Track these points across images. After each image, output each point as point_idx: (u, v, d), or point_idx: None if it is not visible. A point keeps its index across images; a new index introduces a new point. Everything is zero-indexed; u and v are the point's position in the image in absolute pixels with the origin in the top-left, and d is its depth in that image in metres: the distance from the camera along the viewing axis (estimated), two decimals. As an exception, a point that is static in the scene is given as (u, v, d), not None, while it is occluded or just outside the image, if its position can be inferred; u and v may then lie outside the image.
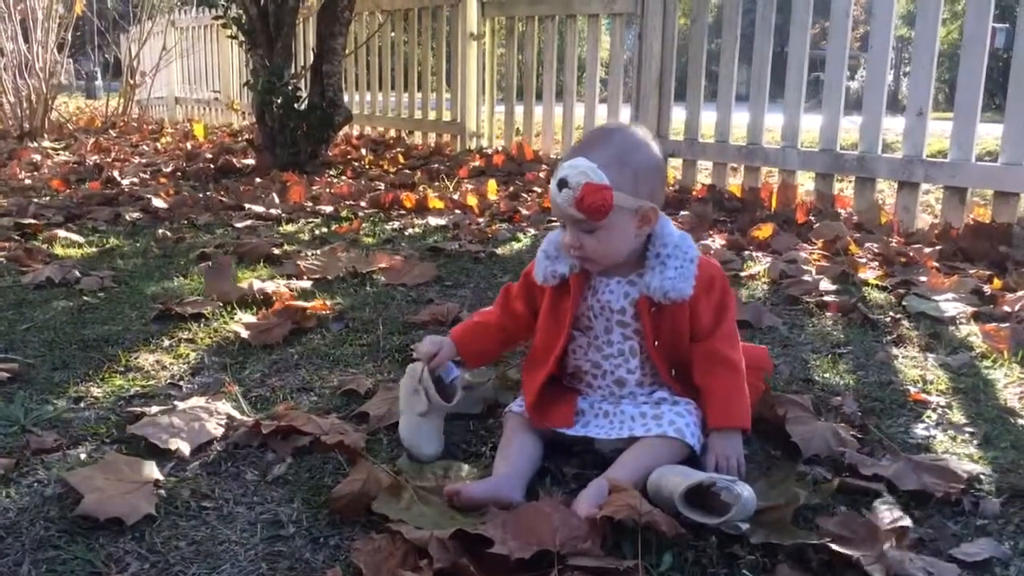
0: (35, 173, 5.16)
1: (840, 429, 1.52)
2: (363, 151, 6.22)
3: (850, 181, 4.06)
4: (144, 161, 5.84)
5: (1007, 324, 2.14)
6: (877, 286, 2.58)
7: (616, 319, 1.44)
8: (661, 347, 1.43)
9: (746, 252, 3.03)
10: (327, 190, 4.37)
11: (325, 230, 3.44)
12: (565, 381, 1.52)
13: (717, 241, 3.19)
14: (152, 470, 1.37)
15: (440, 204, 3.95)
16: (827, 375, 1.85)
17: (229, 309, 2.27)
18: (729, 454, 1.37)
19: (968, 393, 1.76)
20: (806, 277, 2.62)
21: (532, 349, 1.53)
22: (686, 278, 1.39)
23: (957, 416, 1.65)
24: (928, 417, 1.64)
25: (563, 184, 1.33)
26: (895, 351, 2.02)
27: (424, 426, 1.46)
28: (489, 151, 5.88)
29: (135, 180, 4.82)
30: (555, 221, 3.57)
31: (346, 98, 5.96)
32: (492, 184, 4.37)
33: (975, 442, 1.54)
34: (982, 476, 1.39)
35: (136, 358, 1.93)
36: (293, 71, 5.35)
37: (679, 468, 1.30)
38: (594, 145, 1.37)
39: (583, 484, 1.33)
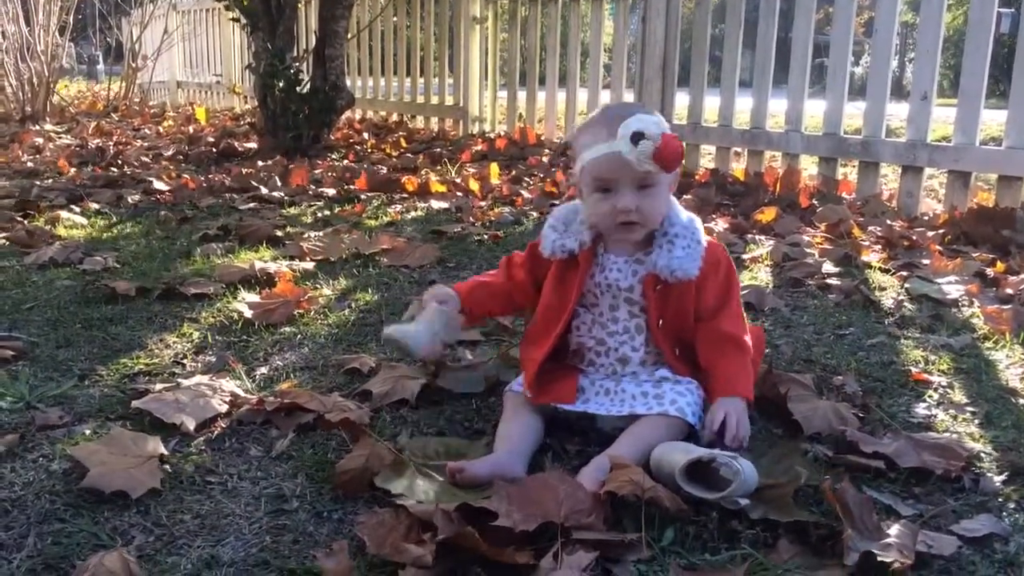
0: (37, 156, 5.15)
1: (842, 408, 1.53)
2: (365, 135, 6.21)
3: (854, 165, 4.05)
4: (146, 145, 5.83)
5: (1009, 306, 2.14)
6: (880, 269, 2.58)
7: (624, 296, 1.45)
8: (666, 326, 1.44)
9: (749, 235, 3.03)
10: (329, 173, 4.37)
11: (328, 212, 3.44)
12: (567, 360, 1.52)
13: (720, 224, 3.18)
14: (157, 445, 1.38)
15: (442, 188, 3.94)
16: (829, 355, 1.86)
17: (232, 289, 2.27)
18: (737, 415, 1.37)
19: (970, 373, 1.76)
20: (809, 260, 2.62)
21: (533, 324, 1.53)
22: (693, 258, 1.40)
23: (958, 396, 1.65)
24: (929, 397, 1.65)
25: (639, 137, 1.31)
26: (897, 332, 2.02)
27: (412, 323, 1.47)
28: (492, 136, 5.87)
29: (137, 163, 4.82)
30: (557, 203, 3.58)
31: (348, 82, 5.94)
32: (494, 168, 4.36)
33: (976, 421, 1.54)
34: (982, 454, 1.40)
35: (140, 337, 1.93)
36: (295, 54, 5.34)
37: (681, 444, 1.30)
38: (637, 108, 1.39)
39: (585, 461, 1.34)
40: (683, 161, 1.36)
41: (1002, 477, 1.34)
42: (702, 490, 1.19)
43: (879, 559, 1.08)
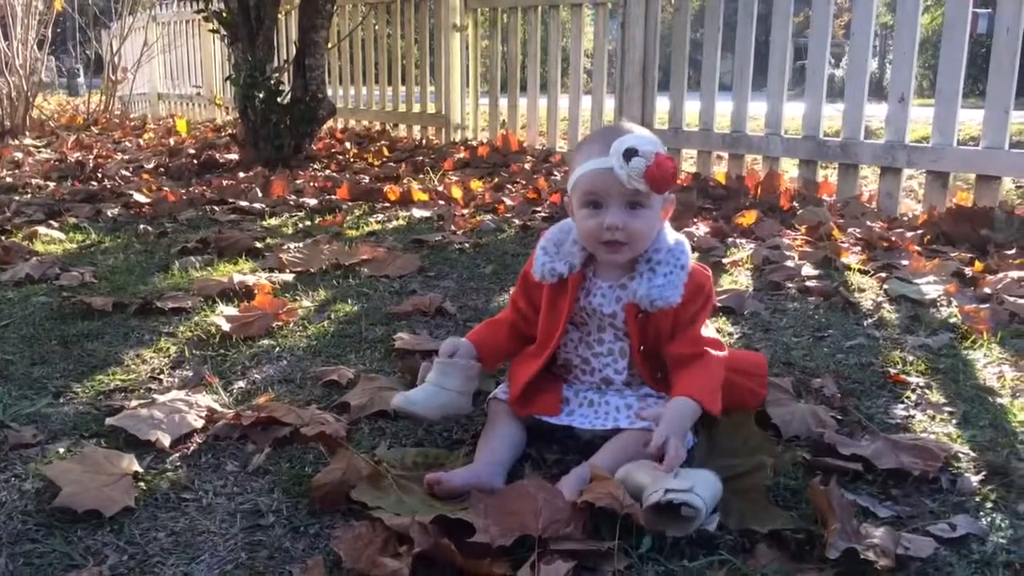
0: (16, 171, 5.12)
1: (820, 410, 1.53)
2: (347, 145, 6.20)
3: (834, 167, 4.07)
4: (126, 158, 5.80)
5: (987, 305, 2.15)
6: (859, 270, 2.60)
7: (608, 321, 1.43)
8: (647, 351, 1.42)
9: (730, 239, 3.03)
10: (310, 184, 4.36)
11: (308, 223, 3.42)
12: (553, 370, 1.52)
13: (701, 228, 3.19)
14: (131, 463, 1.36)
15: (424, 196, 3.94)
16: (808, 358, 1.86)
17: (210, 303, 2.26)
18: (677, 438, 1.25)
19: (947, 373, 1.77)
20: (789, 263, 2.63)
21: (532, 345, 1.52)
22: (675, 285, 1.36)
23: (936, 396, 1.66)
24: (907, 397, 1.65)
25: (632, 154, 1.29)
26: (876, 333, 2.03)
27: (420, 386, 1.44)
28: (474, 143, 5.86)
29: (117, 177, 4.79)
30: (539, 210, 3.58)
31: (330, 92, 5.93)
32: (476, 183, 4.36)
33: (954, 421, 1.55)
34: (960, 454, 1.41)
35: (116, 353, 1.92)
36: (275, 65, 5.32)
37: (646, 465, 1.26)
38: (631, 130, 1.36)
39: (564, 470, 1.33)
40: (674, 183, 1.32)
41: (979, 477, 1.34)
42: (667, 524, 1.16)
43: (862, 556, 1.08)
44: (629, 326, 1.41)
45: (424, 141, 6.31)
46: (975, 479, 1.33)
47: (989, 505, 1.27)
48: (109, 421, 1.51)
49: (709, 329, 1.45)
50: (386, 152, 5.74)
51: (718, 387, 1.36)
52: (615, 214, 1.34)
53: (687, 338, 1.39)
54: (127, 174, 4.93)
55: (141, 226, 3.32)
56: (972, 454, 1.41)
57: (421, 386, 1.45)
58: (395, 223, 3.42)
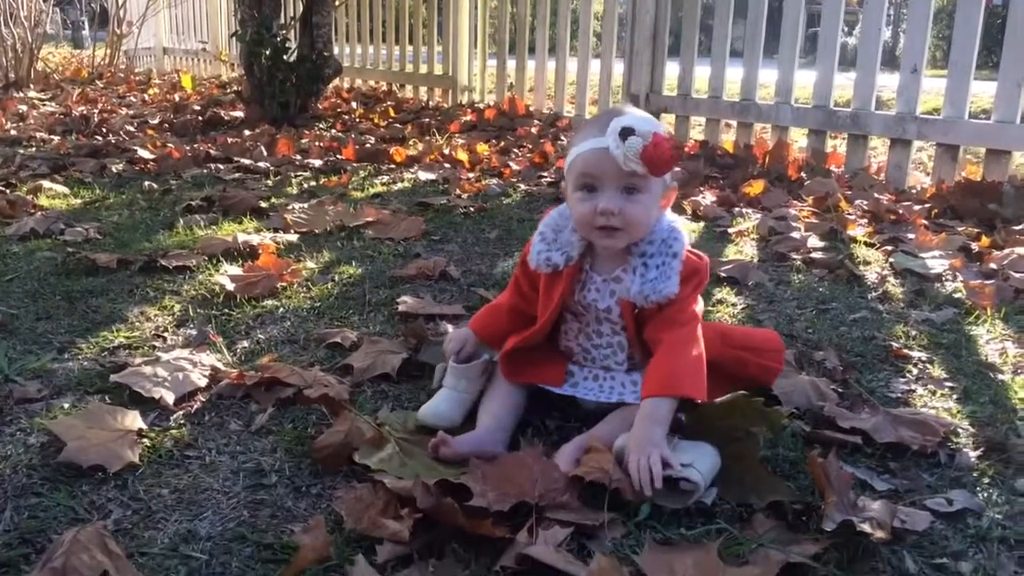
0: (21, 124, 5.09)
1: (821, 383, 1.53)
2: (353, 104, 6.16)
3: (844, 138, 4.03)
4: (131, 113, 5.77)
5: (992, 281, 2.14)
6: (865, 243, 2.58)
7: (604, 315, 1.41)
8: (645, 341, 1.40)
9: (736, 208, 3.02)
10: (316, 143, 4.33)
11: (314, 183, 3.41)
12: (561, 348, 1.50)
13: (708, 197, 3.17)
14: (135, 419, 1.38)
15: (432, 154, 3.91)
16: (811, 330, 1.86)
17: (215, 262, 2.26)
18: (646, 452, 1.18)
19: (950, 348, 1.77)
20: (795, 234, 2.62)
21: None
22: (667, 276, 1.32)
23: (937, 371, 1.66)
24: (909, 372, 1.65)
25: (628, 133, 1.23)
26: (879, 307, 2.02)
27: (441, 394, 1.45)
28: (481, 106, 5.81)
29: (122, 132, 4.77)
30: (544, 175, 3.56)
31: (336, 50, 5.87)
32: (482, 147, 4.33)
33: (954, 397, 1.55)
34: (959, 429, 1.41)
35: (120, 310, 1.92)
36: (282, 22, 5.27)
37: None
38: (631, 111, 1.32)
39: (564, 437, 1.34)
40: (673, 165, 1.25)
41: (978, 452, 1.35)
42: (664, 497, 1.17)
43: (858, 528, 1.08)
44: (626, 319, 1.38)
45: (431, 102, 6.26)
46: (973, 454, 1.34)
47: (986, 480, 1.27)
48: (114, 378, 1.52)
49: (698, 304, 1.40)
50: (392, 113, 5.70)
51: (690, 367, 1.28)
52: (610, 198, 1.29)
53: (661, 320, 1.34)
54: (131, 129, 4.91)
55: (146, 183, 3.31)
56: (971, 429, 1.42)
57: (441, 394, 1.44)
58: (400, 185, 3.41)
